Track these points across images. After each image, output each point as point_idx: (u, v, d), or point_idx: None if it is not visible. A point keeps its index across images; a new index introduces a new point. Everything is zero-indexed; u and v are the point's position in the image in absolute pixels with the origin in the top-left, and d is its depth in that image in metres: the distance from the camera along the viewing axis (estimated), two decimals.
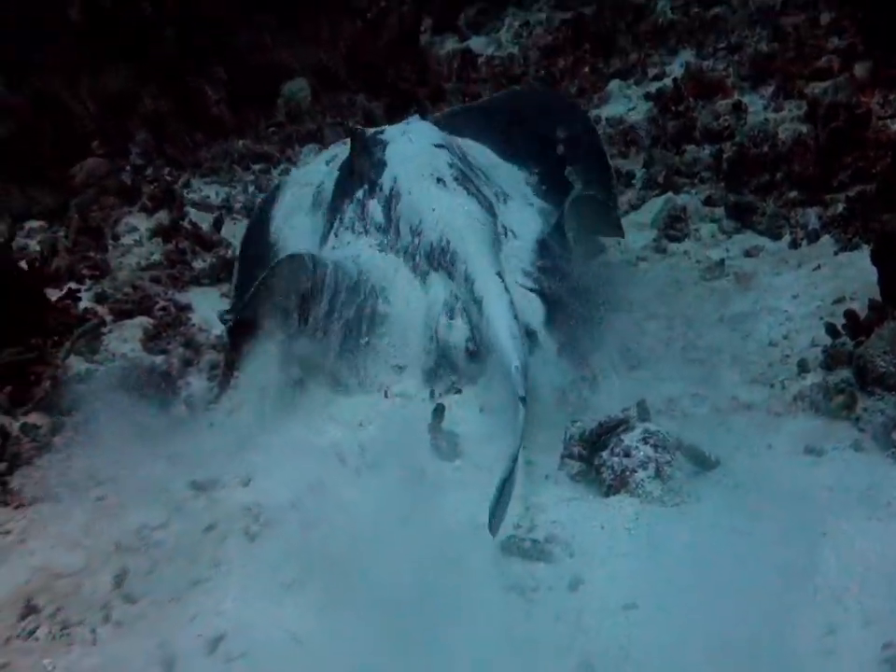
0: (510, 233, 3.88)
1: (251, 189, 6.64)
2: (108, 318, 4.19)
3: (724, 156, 4.63)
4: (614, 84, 5.98)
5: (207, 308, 4.46)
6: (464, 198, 3.80)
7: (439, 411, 3.10)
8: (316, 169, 4.78)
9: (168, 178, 6.49)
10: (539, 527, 2.52)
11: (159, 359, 3.89)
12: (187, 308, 4.48)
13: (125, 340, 4.11)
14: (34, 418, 3.21)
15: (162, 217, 5.91)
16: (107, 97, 7.97)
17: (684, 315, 3.76)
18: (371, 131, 4.37)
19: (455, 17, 9.13)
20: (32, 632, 2.22)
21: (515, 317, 3.26)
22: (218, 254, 5.26)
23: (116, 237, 5.84)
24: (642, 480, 2.55)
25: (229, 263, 4.89)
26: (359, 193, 4.04)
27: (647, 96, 5.56)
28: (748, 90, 5.19)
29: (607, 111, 5.72)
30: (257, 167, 7.07)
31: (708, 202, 4.54)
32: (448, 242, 3.61)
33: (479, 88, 6.94)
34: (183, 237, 5.43)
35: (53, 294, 4.23)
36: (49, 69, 9.63)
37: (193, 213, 6.00)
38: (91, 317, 4.06)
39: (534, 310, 3.49)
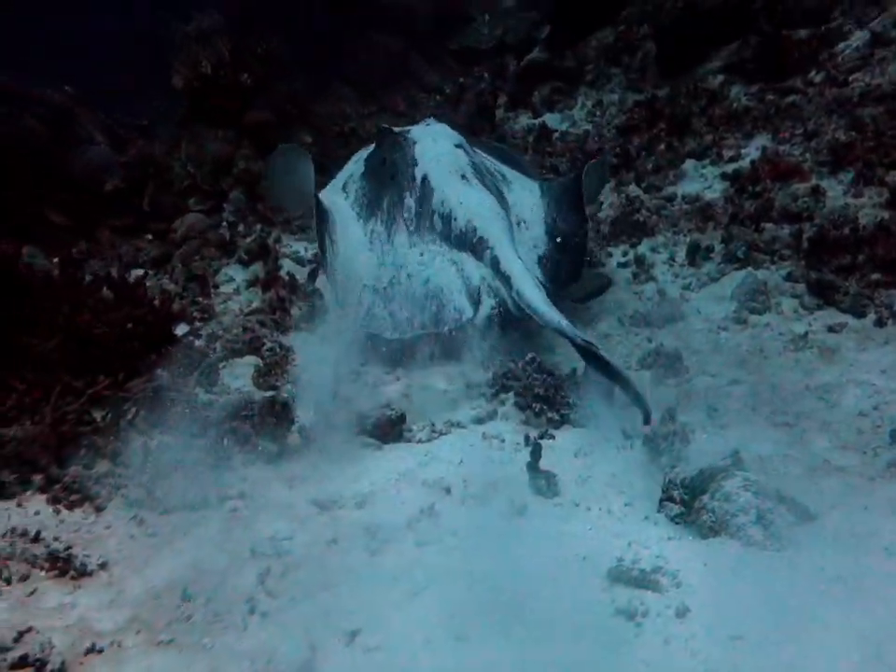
0: (522, 224, 4.86)
1: None
2: (222, 356, 4.64)
3: (804, 235, 4.86)
4: (689, 163, 6.33)
5: (308, 351, 4.86)
6: (484, 192, 4.67)
7: (536, 451, 3.37)
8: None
9: (262, 234, 6.99)
10: (643, 560, 2.70)
11: (269, 394, 4.29)
12: (290, 349, 4.90)
13: (237, 376, 4.55)
14: (167, 440, 3.58)
15: (258, 269, 6.46)
16: (205, 158, 8.71)
17: (769, 383, 3.93)
18: (397, 129, 5.24)
19: (529, 94, 9.79)
20: (189, 617, 2.54)
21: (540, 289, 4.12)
22: (314, 303, 5.70)
23: (216, 286, 6.36)
24: (743, 524, 2.72)
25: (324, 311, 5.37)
26: (394, 184, 4.85)
27: (723, 176, 5.89)
28: (825, 175, 5.42)
29: (682, 189, 6.05)
30: None
31: (789, 278, 4.75)
32: (475, 228, 4.44)
33: (556, 161, 7.36)
34: (281, 286, 5.88)
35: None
36: (153, 132, 10.59)
37: (288, 265, 6.52)
38: (210, 353, 4.49)
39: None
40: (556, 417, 3.72)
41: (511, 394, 3.98)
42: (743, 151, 6.14)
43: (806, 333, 4.33)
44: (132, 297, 4.13)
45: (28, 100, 9.45)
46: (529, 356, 4.05)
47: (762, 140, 6.16)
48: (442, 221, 4.58)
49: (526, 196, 5.13)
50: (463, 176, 4.70)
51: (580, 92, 9.22)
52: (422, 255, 4.61)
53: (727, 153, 6.19)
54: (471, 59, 12.23)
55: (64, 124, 9.68)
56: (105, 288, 4.19)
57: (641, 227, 5.55)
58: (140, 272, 6.81)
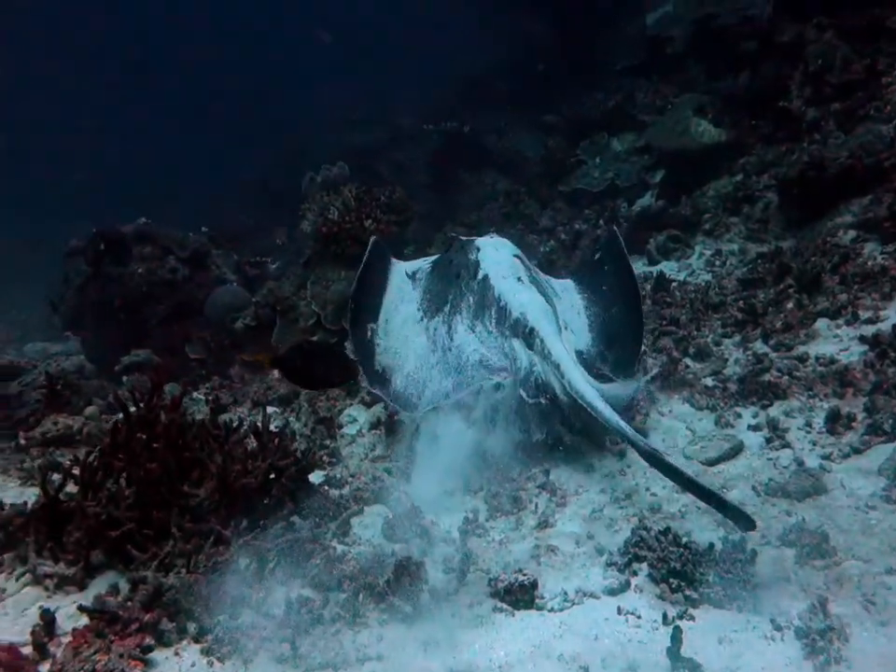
0: (565, 326, 5.60)
1: None
2: (355, 508, 4.92)
3: None
4: (822, 322, 6.35)
5: (435, 505, 5.07)
6: (536, 293, 5.49)
7: (677, 635, 3.36)
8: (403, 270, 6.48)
9: None
10: None
11: (398, 547, 4.50)
12: (413, 499, 5.12)
13: (366, 525, 4.80)
14: (307, 592, 3.83)
15: (380, 411, 6.85)
16: (329, 298, 9.43)
17: None
18: (465, 238, 6.31)
19: (643, 240, 10.18)
20: None
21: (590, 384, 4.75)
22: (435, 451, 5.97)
23: (339, 426, 6.78)
24: None
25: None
26: (458, 281, 5.77)
27: (861, 339, 5.88)
28: None
29: (815, 349, 6.03)
30: None
31: None
32: (527, 321, 5.19)
33: (675, 312, 7.54)
34: (405, 432, 6.20)
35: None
36: (279, 271, 11.60)
37: None
38: (342, 503, 4.79)
39: None
40: (695, 595, 3.72)
41: (644, 565, 4.03)
42: (882, 313, 6.12)
43: None
44: (274, 445, 4.49)
45: (170, 241, 10.68)
46: (663, 525, 4.13)
47: None
48: (498, 313, 5.38)
49: (569, 307, 6.08)
50: (519, 279, 5.58)
51: (697, 241, 9.53)
52: (478, 339, 5.39)
53: (864, 314, 6.18)
54: (582, 201, 12.91)
55: (200, 264, 10.83)
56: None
57: (772, 388, 5.59)
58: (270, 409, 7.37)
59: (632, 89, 13.65)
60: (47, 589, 3.61)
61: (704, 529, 4.34)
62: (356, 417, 6.92)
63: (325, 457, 5.80)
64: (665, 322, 7.41)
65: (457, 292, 5.71)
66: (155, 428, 3.93)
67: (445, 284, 5.88)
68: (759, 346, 6.48)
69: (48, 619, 3.19)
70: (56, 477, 4.13)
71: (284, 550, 4.04)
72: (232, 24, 49.59)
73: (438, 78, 25.25)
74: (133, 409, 3.93)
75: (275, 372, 8.47)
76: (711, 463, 5.12)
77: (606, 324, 5.98)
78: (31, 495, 5.60)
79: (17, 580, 3.63)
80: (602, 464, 5.48)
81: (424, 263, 6.51)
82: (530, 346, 5.15)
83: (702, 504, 4.56)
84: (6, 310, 18.57)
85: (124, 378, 8.71)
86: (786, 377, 5.76)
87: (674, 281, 8.52)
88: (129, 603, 3.36)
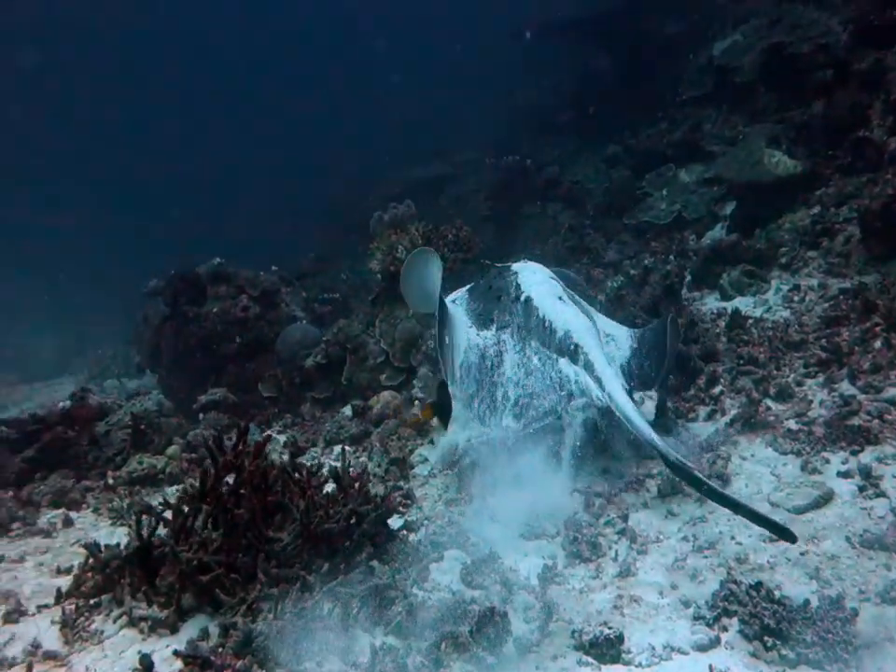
0: (607, 338, 6.05)
1: None
2: (430, 549, 4.95)
3: None
4: None
5: (513, 550, 5.06)
6: (577, 311, 5.81)
7: None
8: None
9: None
10: None
11: (477, 594, 4.50)
12: (492, 544, 5.12)
13: (444, 571, 4.81)
14: (391, 639, 3.86)
15: (450, 451, 6.88)
16: (397, 336, 9.55)
17: None
18: (499, 265, 6.62)
19: (714, 274, 10.02)
20: None
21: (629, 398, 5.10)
22: (509, 493, 5.96)
23: (411, 466, 6.84)
24: None
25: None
26: (500, 304, 6.00)
27: None
28: None
29: None
30: None
31: None
32: (571, 337, 5.48)
33: (753, 351, 7.38)
34: (477, 473, 6.22)
35: None
36: (346, 308, 11.83)
37: (483, 448, 6.88)
38: (423, 548, 4.83)
39: None
40: (792, 655, 3.60)
41: (734, 620, 3.93)
42: None
43: None
44: (354, 490, 4.57)
45: (243, 280, 11.04)
46: (752, 578, 4.03)
47: None
48: (543, 332, 5.63)
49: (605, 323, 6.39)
50: (560, 298, 5.89)
51: (773, 275, 9.33)
52: (526, 357, 5.61)
53: None
54: (649, 234, 12.82)
55: (271, 302, 11.14)
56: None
57: (863, 433, 5.41)
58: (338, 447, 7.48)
59: (699, 119, 13.57)
60: (142, 632, 3.74)
61: (795, 583, 4.21)
62: (427, 457, 6.98)
63: (399, 499, 5.86)
64: (742, 361, 7.26)
65: (500, 316, 5.96)
66: (241, 474, 4.05)
67: (487, 308, 6.12)
68: (845, 387, 6.28)
69: (146, 664, 3.30)
70: (147, 520, 4.28)
71: (366, 596, 4.09)
72: (302, 61, 51.41)
73: (499, 111, 25.61)
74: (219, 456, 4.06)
75: (346, 410, 8.64)
76: (800, 511, 4.97)
77: (638, 342, 6.28)
78: (121, 534, 5.86)
79: (114, 621, 3.77)
80: (682, 509, 5.38)
81: (459, 292, 6.75)
82: (575, 362, 5.46)
83: (791, 554, 4.46)
84: (88, 348, 19.44)
85: (200, 416, 8.99)
86: (876, 421, 5.57)
87: (750, 318, 8.34)
88: (220, 649, 3.45)
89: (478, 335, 5.95)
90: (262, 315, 10.67)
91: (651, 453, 5.15)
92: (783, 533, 4.16)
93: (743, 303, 9.01)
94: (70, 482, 6.94)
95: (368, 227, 11.01)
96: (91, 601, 4.08)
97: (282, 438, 8.16)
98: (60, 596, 4.31)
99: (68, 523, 6.34)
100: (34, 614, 4.36)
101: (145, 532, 3.94)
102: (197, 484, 4.02)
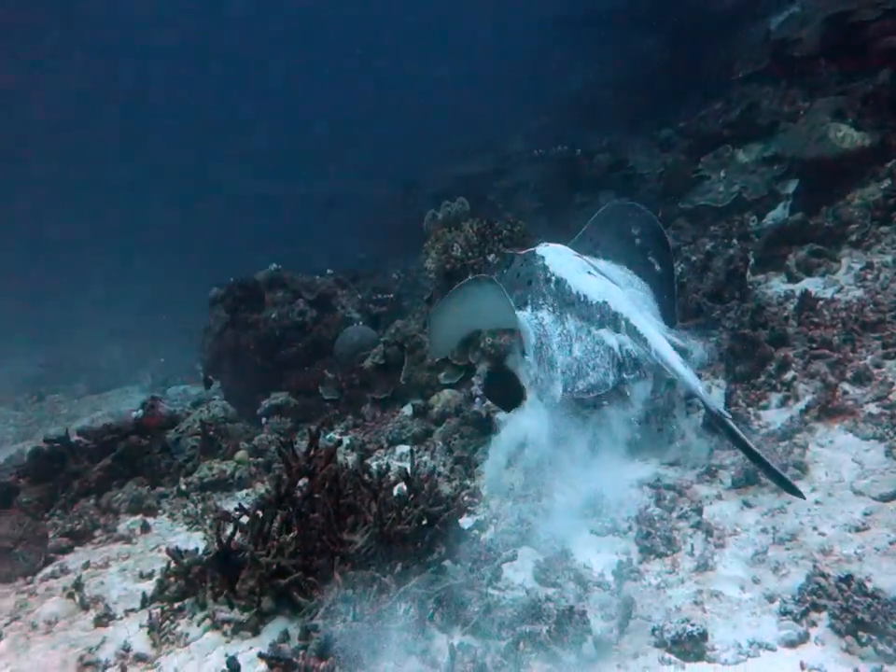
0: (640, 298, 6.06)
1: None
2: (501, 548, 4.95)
3: None
4: None
5: (584, 546, 5.03)
6: (608, 282, 5.87)
7: None
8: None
9: None
10: None
11: (551, 591, 4.48)
12: (563, 541, 5.09)
13: (517, 569, 4.81)
14: (468, 639, 3.88)
15: (513, 448, 6.85)
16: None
17: None
18: (521, 251, 6.69)
19: (779, 256, 9.74)
20: None
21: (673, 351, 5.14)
22: (577, 488, 5.92)
23: (475, 464, 6.84)
24: None
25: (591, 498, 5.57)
26: (531, 287, 6.04)
27: None
28: None
29: None
30: None
31: None
32: (608, 306, 5.54)
33: (826, 334, 7.14)
34: (543, 469, 6.18)
35: None
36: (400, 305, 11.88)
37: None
38: (494, 546, 4.83)
39: None
40: (889, 651, 3.48)
41: (823, 614, 3.82)
42: None
43: None
44: (425, 491, 4.59)
45: (299, 285, 11.20)
46: (845, 573, 3.91)
47: None
48: (581, 307, 5.69)
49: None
50: (589, 272, 5.94)
51: (843, 254, 9.01)
52: (568, 333, 5.66)
53: None
54: (706, 218, 12.54)
55: (327, 305, 11.28)
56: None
57: None
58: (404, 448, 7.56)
59: (756, 97, 13.19)
60: (224, 634, 3.84)
61: (886, 574, 4.07)
62: (490, 454, 6.96)
63: (466, 498, 5.86)
64: (815, 345, 7.04)
65: (534, 299, 6.01)
66: (314, 478, 4.11)
67: (519, 295, 6.15)
68: None
69: (233, 666, 3.39)
70: (222, 524, 4.39)
71: (442, 596, 4.11)
72: (345, 59, 51.93)
73: (544, 101, 25.40)
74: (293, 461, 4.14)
75: (406, 410, 8.69)
76: (887, 499, 4.80)
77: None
78: (197, 539, 6.03)
79: (198, 624, 3.89)
80: (758, 500, 5.27)
81: None
82: (617, 329, 5.51)
83: (880, 544, 4.33)
84: (150, 357, 20.03)
85: (263, 420, 9.16)
86: None
87: (821, 299, 8.07)
88: (302, 651, 3.52)
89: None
90: (319, 319, 10.83)
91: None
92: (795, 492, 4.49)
93: (812, 284, 8.72)
94: (145, 489, 7.16)
95: (415, 225, 11.05)
96: (175, 605, 4.21)
97: (345, 439, 8.26)
98: (145, 601, 4.46)
99: (146, 529, 6.54)
100: (122, 618, 4.53)
101: (224, 537, 4.04)
102: (272, 490, 4.10)
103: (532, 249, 6.53)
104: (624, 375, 5.37)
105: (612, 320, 5.54)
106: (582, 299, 5.72)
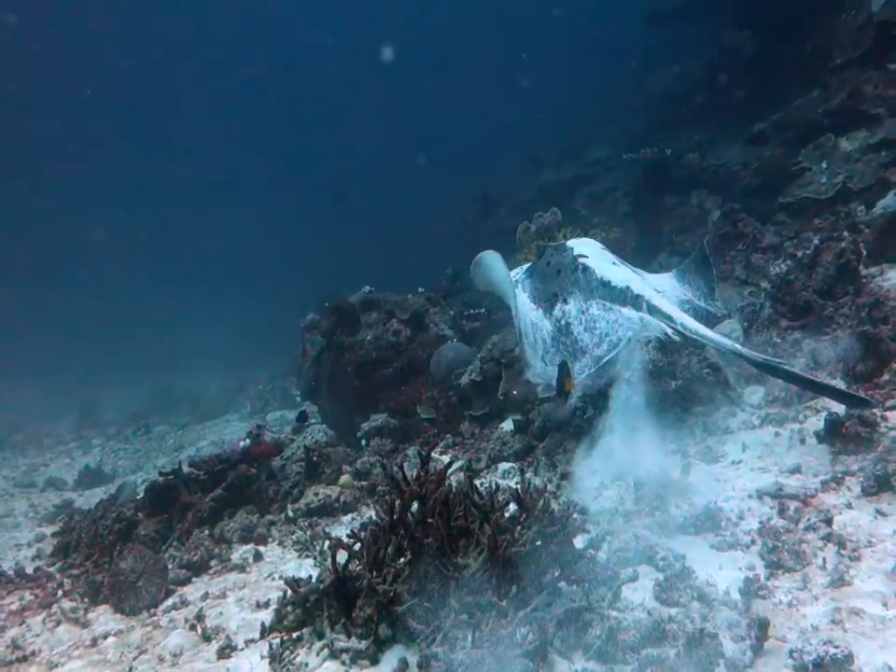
0: (660, 290, 6.52)
1: (698, 432, 7.18)
2: (618, 567, 4.83)
3: None
4: None
5: (706, 563, 4.84)
6: (630, 271, 6.52)
7: None
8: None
9: None
10: None
11: (674, 611, 4.32)
12: (682, 558, 4.93)
13: (635, 588, 4.68)
14: (592, 665, 3.78)
15: (621, 462, 6.69)
16: None
17: None
18: (552, 244, 7.21)
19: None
20: None
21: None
22: (691, 500, 5.73)
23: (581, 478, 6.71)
24: None
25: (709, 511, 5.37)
26: (560, 277, 6.55)
27: None
28: None
29: None
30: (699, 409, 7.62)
31: None
32: (630, 289, 6.09)
33: None
34: (653, 482, 6.02)
35: None
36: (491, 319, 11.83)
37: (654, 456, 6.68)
38: (611, 566, 4.72)
39: None
40: None
41: None
42: None
43: None
44: (538, 511, 4.53)
45: (392, 305, 11.35)
46: None
47: None
48: (605, 290, 6.20)
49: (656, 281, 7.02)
50: (613, 262, 6.56)
51: None
52: (590, 311, 6.15)
53: None
54: (809, 211, 12.01)
55: (420, 324, 11.38)
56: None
57: None
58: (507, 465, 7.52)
59: (857, 82, 12.57)
60: (344, 664, 3.88)
61: None
62: (596, 468, 6.83)
63: (576, 515, 5.74)
64: None
65: (563, 286, 6.49)
66: (426, 503, 4.13)
67: (548, 282, 6.69)
68: None
69: None
70: (333, 550, 4.45)
71: (562, 620, 4.03)
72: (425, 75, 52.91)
73: (629, 104, 25.03)
74: (405, 485, 4.17)
75: (505, 426, 8.65)
76: None
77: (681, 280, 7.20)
78: (308, 566, 6.16)
79: (317, 654, 3.94)
80: (893, 508, 4.94)
81: (516, 272, 7.31)
82: (638, 309, 6.00)
83: None
84: (249, 384, 20.77)
85: (363, 442, 9.30)
86: None
87: None
88: None
89: (543, 310, 6.60)
90: (413, 338, 10.93)
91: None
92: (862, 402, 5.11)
93: None
94: (255, 517, 7.37)
95: (501, 236, 11.05)
96: (293, 634, 4.29)
97: (444, 458, 8.29)
98: (264, 631, 4.56)
99: (258, 557, 6.73)
100: (243, 649, 4.65)
101: (339, 565, 4.10)
102: (385, 515, 4.13)
103: (563, 242, 7.18)
104: (644, 333, 6.10)
105: (634, 301, 6.08)
106: (606, 282, 6.26)
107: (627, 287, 6.11)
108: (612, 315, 6.09)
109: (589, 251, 6.72)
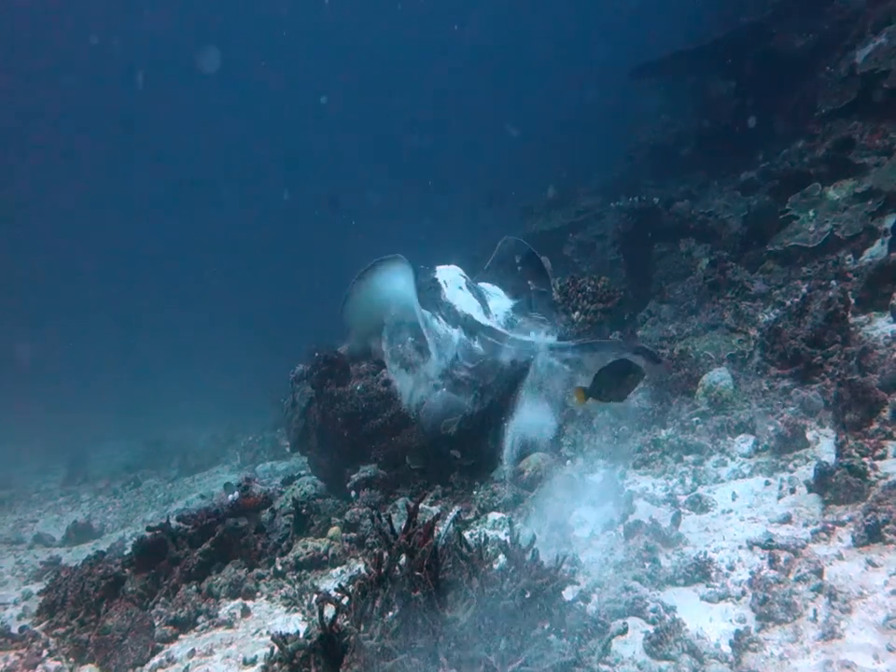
0: (491, 313, 7.91)
1: (688, 481, 7.26)
2: (608, 619, 4.87)
3: None
4: None
5: (696, 615, 4.88)
6: (471, 295, 7.94)
7: None
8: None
9: None
10: None
11: (664, 664, 4.36)
12: (673, 609, 4.97)
13: (626, 642, 4.71)
14: None
15: (611, 509, 6.77)
16: None
17: None
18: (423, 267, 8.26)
19: (887, 295, 9.41)
20: None
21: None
22: (681, 551, 5.79)
23: (570, 529, 6.75)
24: None
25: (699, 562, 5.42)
26: (429, 294, 7.90)
27: None
28: None
29: None
30: (689, 458, 7.73)
31: None
32: (463, 311, 7.70)
33: None
34: (643, 533, 6.08)
35: None
36: None
37: (641, 506, 6.77)
38: (600, 618, 4.75)
39: None
40: None
41: None
42: None
43: None
44: (527, 564, 4.57)
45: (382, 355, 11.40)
46: None
47: None
48: (447, 311, 7.77)
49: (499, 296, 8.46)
50: (460, 287, 8.00)
51: None
52: (442, 332, 7.69)
53: None
54: (797, 260, 12.27)
55: None
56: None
57: None
58: (497, 515, 7.54)
59: (843, 133, 12.99)
60: None
61: None
62: (585, 518, 6.89)
63: (566, 566, 5.78)
64: None
65: (430, 305, 7.82)
66: (413, 556, 4.17)
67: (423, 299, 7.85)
68: None
69: None
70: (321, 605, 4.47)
71: None
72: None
73: (616, 153, 25.65)
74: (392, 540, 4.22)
75: (496, 475, 8.70)
76: None
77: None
78: (296, 621, 6.15)
79: None
80: (884, 559, 5.01)
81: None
82: (466, 328, 7.58)
83: None
84: (239, 437, 20.74)
85: (352, 493, 9.30)
86: None
87: None
88: None
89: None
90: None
91: None
92: (652, 356, 6.25)
93: None
94: (243, 571, 7.35)
95: None
96: None
97: (433, 509, 8.31)
98: None
99: (246, 612, 6.70)
100: None
101: (326, 620, 4.12)
102: (373, 569, 4.17)
103: (437, 266, 8.45)
104: (463, 361, 7.68)
105: (463, 322, 7.56)
106: (452, 306, 7.76)
107: (461, 310, 7.67)
108: (448, 335, 7.66)
109: (446, 276, 8.15)
